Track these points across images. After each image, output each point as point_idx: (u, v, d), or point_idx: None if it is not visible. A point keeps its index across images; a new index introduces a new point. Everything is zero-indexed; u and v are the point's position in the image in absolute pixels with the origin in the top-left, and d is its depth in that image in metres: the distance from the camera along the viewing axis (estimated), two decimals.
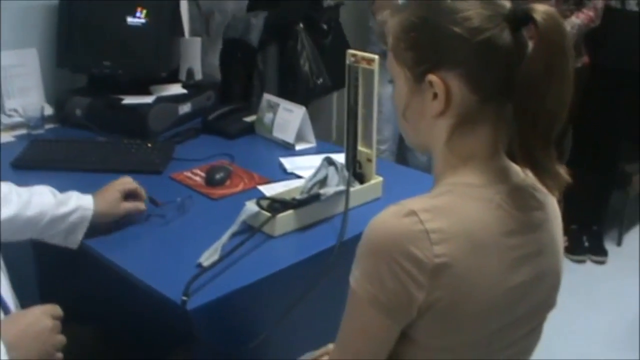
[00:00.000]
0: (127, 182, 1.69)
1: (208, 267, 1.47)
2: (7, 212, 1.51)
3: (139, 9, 2.43)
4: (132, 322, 1.68)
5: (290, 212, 1.65)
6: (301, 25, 2.86)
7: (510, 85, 0.99)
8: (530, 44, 0.99)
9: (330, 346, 1.35)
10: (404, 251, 0.97)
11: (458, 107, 1.03)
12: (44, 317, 1.21)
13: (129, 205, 1.66)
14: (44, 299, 1.28)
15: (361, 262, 1.02)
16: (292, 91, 2.82)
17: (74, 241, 1.60)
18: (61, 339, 1.23)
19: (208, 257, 1.51)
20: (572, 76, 0.99)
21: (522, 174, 1.08)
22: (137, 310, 1.65)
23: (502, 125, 1.05)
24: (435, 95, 1.03)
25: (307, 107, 2.31)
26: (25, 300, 1.41)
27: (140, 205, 1.68)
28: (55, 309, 1.24)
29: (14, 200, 1.54)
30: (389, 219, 1.01)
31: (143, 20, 2.43)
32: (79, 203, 1.59)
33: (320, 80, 2.87)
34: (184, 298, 1.36)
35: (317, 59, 2.87)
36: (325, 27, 2.92)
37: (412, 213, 0.99)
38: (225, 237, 1.58)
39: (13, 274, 1.42)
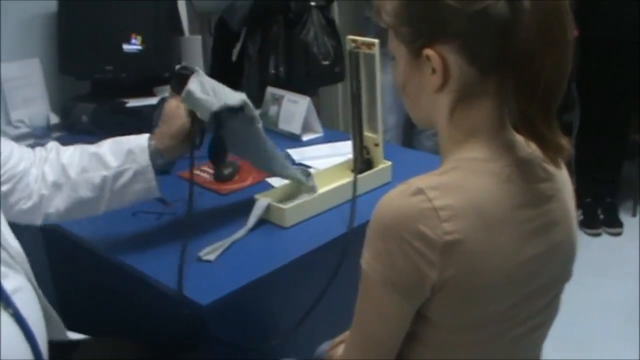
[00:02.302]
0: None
1: (212, 261, 1.47)
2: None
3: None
4: (139, 329, 1.66)
5: (299, 202, 1.65)
6: (313, 3, 2.80)
7: (510, 56, 0.97)
8: None
9: (348, 333, 1.35)
10: (413, 230, 0.96)
11: (457, 81, 1.02)
12: None
13: None
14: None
15: (371, 243, 1.01)
16: (301, 76, 2.79)
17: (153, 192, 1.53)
18: None
19: (209, 252, 1.51)
20: (571, 45, 0.97)
21: (530, 147, 1.07)
22: (144, 316, 1.64)
23: (505, 99, 1.03)
24: (433, 70, 1.02)
25: (317, 90, 2.27)
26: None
27: None
28: None
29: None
30: (397, 199, 1.00)
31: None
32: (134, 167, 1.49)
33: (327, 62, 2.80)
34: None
35: (325, 43, 2.81)
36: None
37: (420, 191, 0.98)
38: (241, 233, 1.59)
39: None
